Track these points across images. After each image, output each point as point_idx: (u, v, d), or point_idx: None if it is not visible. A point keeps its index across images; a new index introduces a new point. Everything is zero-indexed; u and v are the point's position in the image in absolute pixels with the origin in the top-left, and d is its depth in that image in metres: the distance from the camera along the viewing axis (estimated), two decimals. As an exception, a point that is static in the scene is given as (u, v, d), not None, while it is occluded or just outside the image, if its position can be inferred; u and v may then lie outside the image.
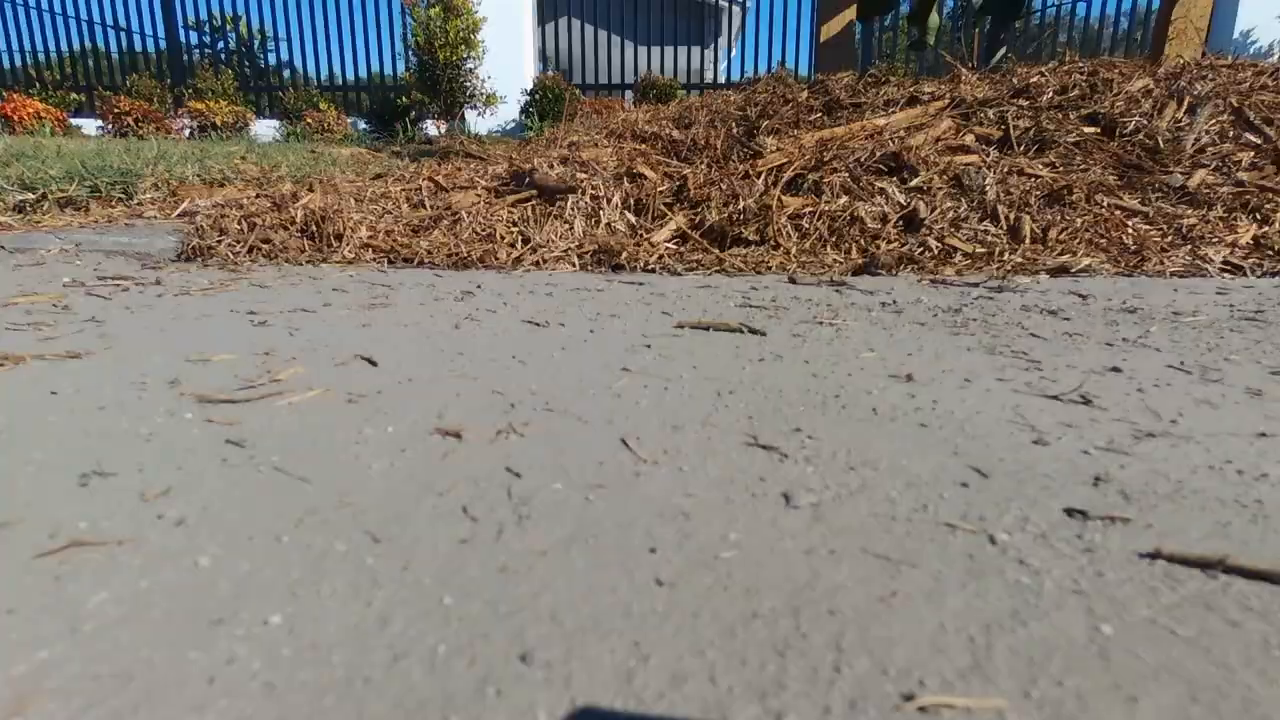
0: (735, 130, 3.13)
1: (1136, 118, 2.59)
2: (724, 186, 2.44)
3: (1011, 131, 2.69)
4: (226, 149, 5.62)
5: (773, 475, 0.77)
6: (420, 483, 0.78)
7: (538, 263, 2.15)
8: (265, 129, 16.98)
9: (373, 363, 1.19)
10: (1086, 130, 2.63)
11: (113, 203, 2.77)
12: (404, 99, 16.31)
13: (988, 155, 2.61)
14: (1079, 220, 2.23)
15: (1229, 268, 2.06)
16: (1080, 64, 3.51)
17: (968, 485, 0.73)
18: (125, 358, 1.23)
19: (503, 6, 15.57)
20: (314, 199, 2.55)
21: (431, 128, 16.99)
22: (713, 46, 25.17)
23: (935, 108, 2.97)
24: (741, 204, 2.33)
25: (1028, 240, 2.17)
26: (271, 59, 20.16)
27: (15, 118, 16.29)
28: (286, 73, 19.58)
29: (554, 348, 1.28)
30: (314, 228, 2.32)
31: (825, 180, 2.42)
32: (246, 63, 19.54)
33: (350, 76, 18.79)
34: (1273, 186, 2.32)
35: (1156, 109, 2.63)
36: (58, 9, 19.62)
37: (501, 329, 1.42)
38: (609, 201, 2.43)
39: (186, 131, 17.07)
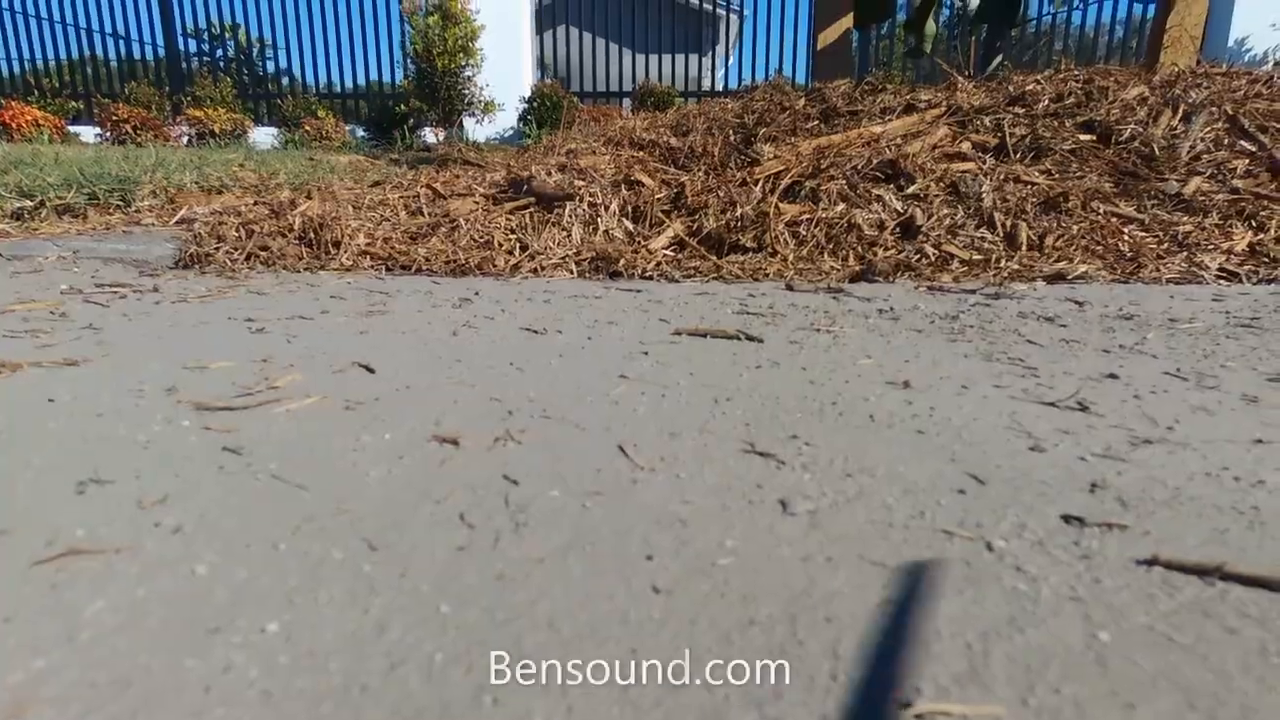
0: (733, 138, 3.14)
1: (1132, 125, 2.60)
2: (721, 194, 2.45)
3: (1008, 139, 2.70)
4: (225, 156, 5.62)
5: (770, 482, 0.77)
6: (418, 490, 0.78)
7: (535, 270, 2.15)
8: (264, 136, 16.99)
9: (370, 370, 1.19)
10: (1082, 138, 2.64)
11: (111, 210, 2.77)
12: (402, 106, 16.34)
13: (984, 163, 2.62)
14: (1075, 227, 2.24)
15: (1225, 275, 2.07)
16: (1076, 72, 3.53)
17: (965, 492, 0.73)
18: (123, 365, 1.23)
19: (501, 15, 15.62)
20: (312, 206, 2.55)
21: (430, 135, 17.01)
22: (710, 54, 25.23)
23: (932, 115, 2.98)
24: (739, 211, 2.33)
25: (1024, 247, 2.18)
26: (270, 67, 20.19)
27: (14, 125, 16.31)
28: (285, 80, 19.65)
29: (552, 355, 1.28)
30: (312, 235, 2.32)
31: (823, 188, 2.43)
32: (245, 70, 19.60)
33: (349, 84, 18.85)
34: (1268, 194, 2.33)
35: (1152, 117, 2.64)
36: (57, 17, 19.64)
37: (499, 336, 1.42)
38: (607, 209, 2.44)
39: (185, 139, 17.08)
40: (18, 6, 19.39)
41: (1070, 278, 1.98)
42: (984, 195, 2.38)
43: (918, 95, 3.19)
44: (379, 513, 0.73)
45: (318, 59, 20.66)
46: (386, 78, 17.98)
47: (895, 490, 0.74)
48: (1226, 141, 2.56)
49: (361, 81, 19.01)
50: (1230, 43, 15.08)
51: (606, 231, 2.36)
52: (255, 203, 2.82)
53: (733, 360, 1.24)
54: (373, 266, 2.21)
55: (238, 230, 2.42)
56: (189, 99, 16.94)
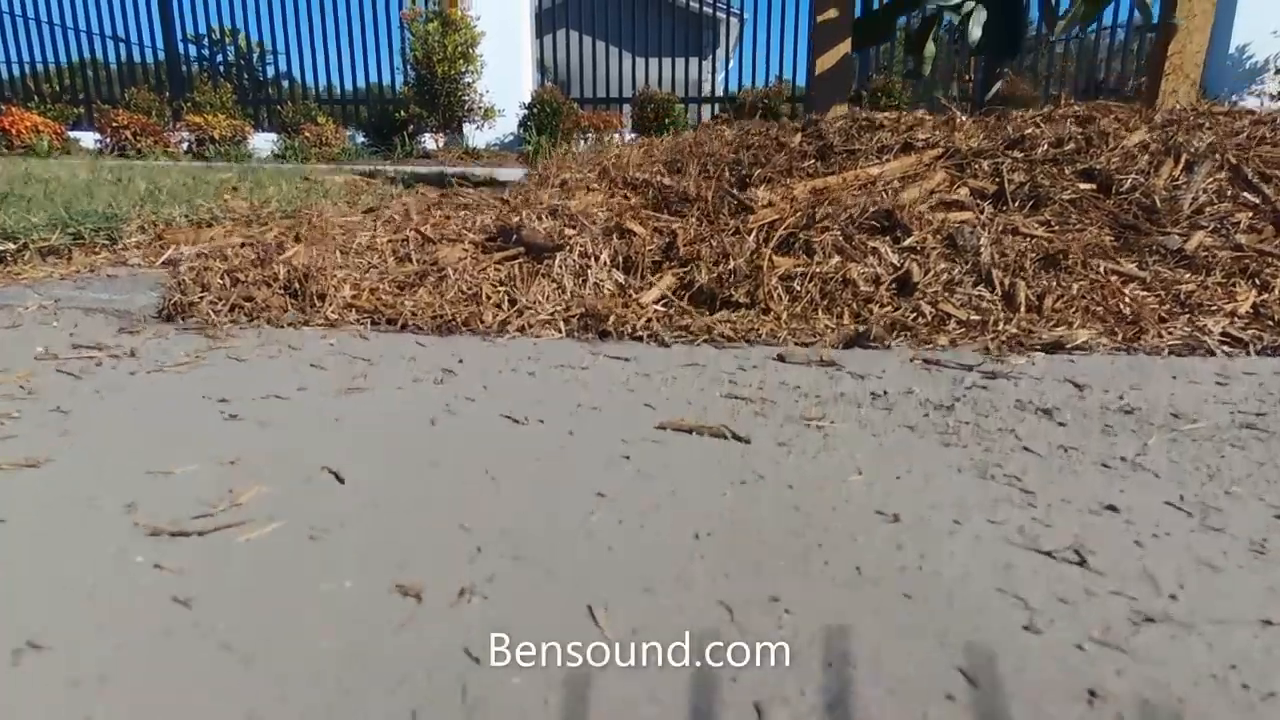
0: (728, 176, 3.10)
1: (1133, 175, 2.55)
2: (714, 243, 2.40)
3: (1006, 186, 2.65)
4: (219, 175, 5.58)
5: (745, 677, 0.72)
6: (370, 672, 0.73)
7: (523, 327, 2.10)
8: (263, 142, 17.03)
9: (340, 480, 1.14)
10: (1083, 186, 2.60)
11: (97, 248, 2.73)
12: (402, 112, 16.37)
13: (982, 211, 2.57)
14: (1075, 286, 2.19)
15: (1228, 340, 2.02)
16: (1075, 106, 3.48)
17: (954, 698, 0.68)
18: (84, 466, 1.18)
19: (502, 20, 15.63)
20: (298, 254, 2.50)
21: (429, 141, 17.05)
22: (710, 58, 25.31)
23: (930, 156, 2.94)
24: (732, 264, 2.29)
25: (1023, 308, 2.13)
26: (270, 72, 20.23)
27: (13, 131, 16.33)
28: (285, 84, 19.68)
29: (530, 458, 1.23)
30: (297, 285, 2.28)
31: (818, 240, 2.38)
32: (245, 75, 19.61)
33: (349, 90, 18.86)
34: (1271, 251, 2.28)
35: (1154, 166, 2.59)
36: (56, 20, 19.67)
37: (478, 428, 1.37)
38: (597, 259, 2.39)
39: (185, 145, 17.10)
40: (17, 10, 19.42)
41: (1069, 347, 1.93)
42: (982, 249, 2.33)
43: (915, 134, 3.15)
44: (327, 706, 0.68)
45: (318, 65, 20.66)
46: (387, 83, 18.00)
47: (879, 690, 0.69)
48: (1229, 193, 2.51)
49: (362, 87, 19.03)
50: (1231, 49, 15.09)
51: (597, 283, 2.31)
52: (242, 244, 2.77)
53: (718, 466, 1.19)
54: (358, 320, 2.16)
55: (222, 278, 2.38)
56: (189, 104, 16.97)
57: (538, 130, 14.82)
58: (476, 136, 16.38)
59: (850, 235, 2.41)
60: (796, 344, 2.03)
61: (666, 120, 15.22)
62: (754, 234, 2.47)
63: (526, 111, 15.13)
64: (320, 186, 5.14)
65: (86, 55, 18.82)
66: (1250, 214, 2.44)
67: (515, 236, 2.44)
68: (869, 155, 3.06)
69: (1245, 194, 2.50)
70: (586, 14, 17.54)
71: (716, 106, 17.03)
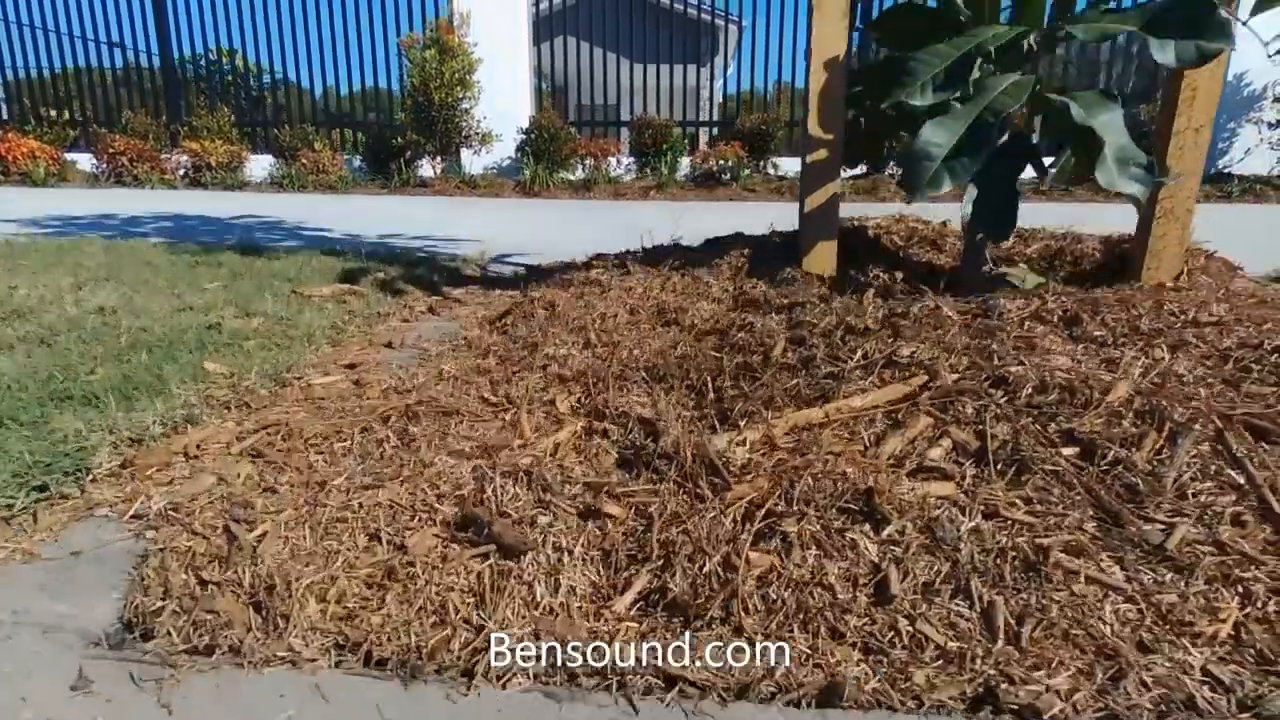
0: (711, 396, 3.06)
1: (1115, 448, 2.50)
2: (691, 530, 2.37)
3: (989, 442, 2.61)
4: (203, 287, 5.52)
5: None
6: None
7: (488, 669, 2.06)
8: (260, 168, 16.92)
9: None
10: (1065, 453, 2.55)
11: (65, 497, 2.71)
12: (399, 139, 16.30)
13: (963, 479, 2.54)
14: (1054, 605, 2.15)
15: (1209, 680, 1.98)
16: (1064, 297, 3.43)
17: None
18: None
19: (500, 46, 15.55)
20: (267, 536, 2.48)
21: (427, 167, 16.96)
22: (709, 65, 25.08)
23: (914, 385, 2.90)
24: (706, 567, 2.26)
25: (1001, 637, 2.08)
26: (267, 81, 20.22)
27: (10, 158, 16.23)
28: (283, 89, 19.61)
29: None
30: (262, 595, 2.25)
31: (794, 531, 2.34)
32: (243, 94, 19.57)
33: (346, 117, 18.86)
34: (1252, 554, 2.23)
35: (1138, 436, 2.54)
36: (50, 27, 19.60)
37: None
38: (570, 554, 2.36)
39: (182, 170, 17.01)
40: (11, 17, 19.32)
41: (1046, 718, 1.89)
42: (961, 545, 2.29)
43: (899, 349, 3.10)
44: None
45: (315, 90, 20.55)
46: (384, 112, 17.98)
47: None
48: (1214, 468, 2.46)
49: (359, 105, 19.03)
50: (1229, 77, 14.91)
51: (571, 589, 2.28)
52: (210, 498, 2.74)
53: None
54: (320, 652, 2.12)
55: (186, 573, 2.35)
56: (186, 128, 16.94)
57: (535, 157, 14.77)
58: (474, 162, 16.33)
59: (829, 523, 2.38)
60: (771, 691, 2.00)
61: (664, 146, 15.14)
62: (730, 514, 2.44)
63: (524, 137, 15.08)
64: (308, 306, 5.11)
65: (83, 64, 18.80)
66: (1234, 496, 2.40)
67: (486, 532, 2.41)
68: (852, 374, 3.03)
69: (1229, 470, 2.45)
70: (585, 21, 17.43)
71: (715, 130, 16.92)
